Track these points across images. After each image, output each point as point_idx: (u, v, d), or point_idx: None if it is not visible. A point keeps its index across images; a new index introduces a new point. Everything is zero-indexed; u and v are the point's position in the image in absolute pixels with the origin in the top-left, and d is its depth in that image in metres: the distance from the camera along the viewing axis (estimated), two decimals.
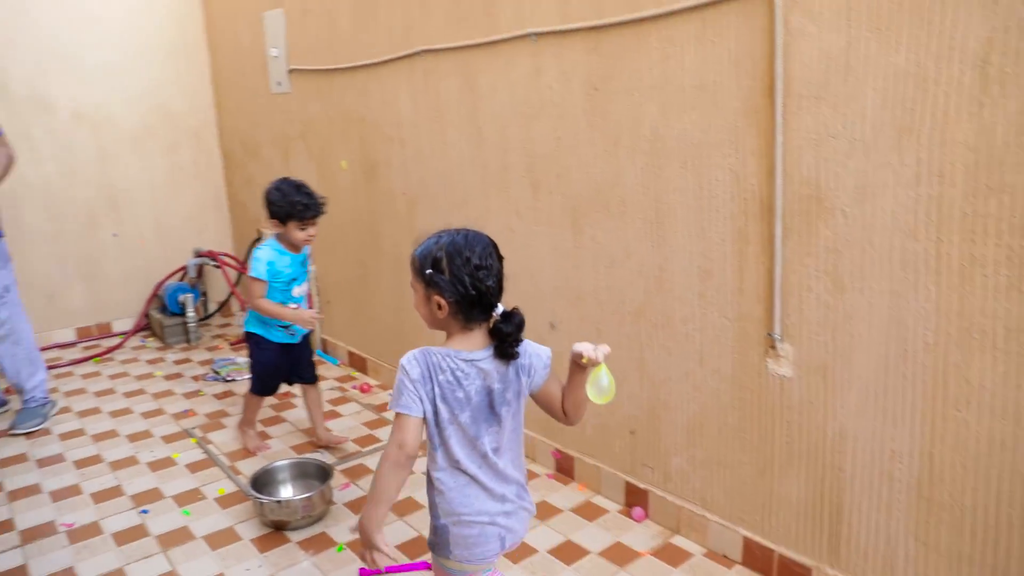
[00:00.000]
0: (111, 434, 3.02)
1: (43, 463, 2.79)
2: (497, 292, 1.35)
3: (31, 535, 2.32)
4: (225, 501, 2.48)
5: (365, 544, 1.41)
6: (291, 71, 3.57)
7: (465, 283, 1.30)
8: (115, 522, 2.37)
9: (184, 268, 4.36)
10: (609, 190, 2.15)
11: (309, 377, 2.81)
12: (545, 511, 2.35)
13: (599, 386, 1.33)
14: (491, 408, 1.39)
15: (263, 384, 2.77)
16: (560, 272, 2.39)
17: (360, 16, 3.02)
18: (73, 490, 2.58)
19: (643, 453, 2.26)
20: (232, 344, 4.09)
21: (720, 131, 1.84)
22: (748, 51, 1.74)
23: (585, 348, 1.31)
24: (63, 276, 4.16)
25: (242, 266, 4.27)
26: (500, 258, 1.37)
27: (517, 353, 1.38)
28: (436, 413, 1.36)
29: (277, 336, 2.68)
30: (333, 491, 2.46)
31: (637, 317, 2.18)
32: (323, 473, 2.45)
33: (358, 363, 3.61)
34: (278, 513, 2.28)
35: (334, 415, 3.13)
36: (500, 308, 1.36)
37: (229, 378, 3.56)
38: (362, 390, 3.37)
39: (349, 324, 3.63)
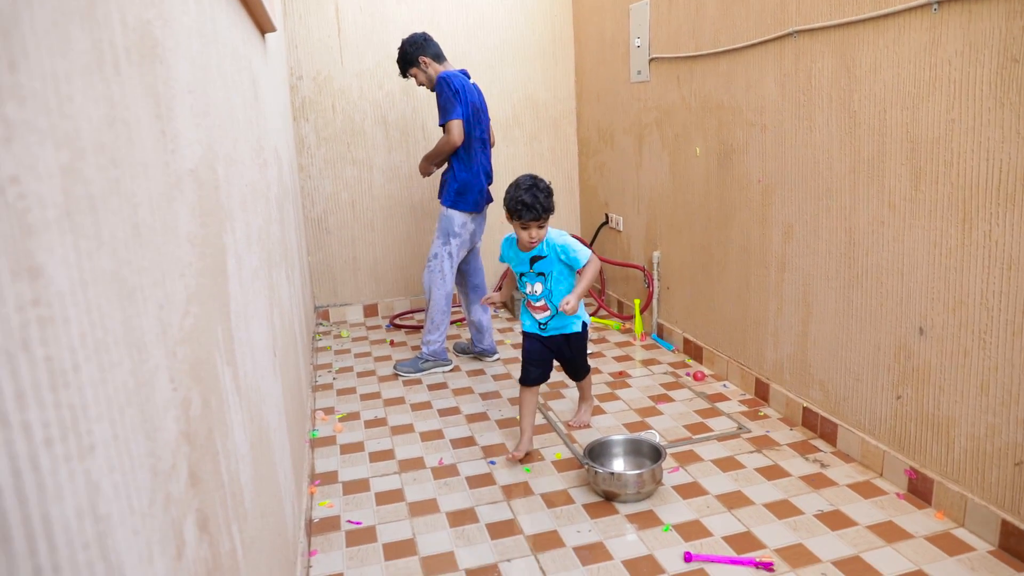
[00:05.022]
0: (467, 390, 3.39)
1: (415, 407, 3.23)
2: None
3: (407, 465, 2.71)
4: (561, 465, 2.64)
5: None
6: (652, 60, 3.65)
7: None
8: (468, 467, 2.66)
9: None
10: (1018, 180, 1.85)
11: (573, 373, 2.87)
12: (890, 532, 2.12)
13: None
14: None
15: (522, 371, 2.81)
16: (938, 271, 2.12)
17: (728, 0, 2.96)
18: (437, 434, 2.96)
19: None
20: None
21: None
22: None
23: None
24: None
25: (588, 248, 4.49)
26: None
27: None
28: None
29: (528, 324, 2.78)
30: (663, 472, 2.48)
31: None
32: (655, 453, 2.49)
33: (693, 351, 3.59)
34: (610, 484, 2.37)
35: (666, 399, 3.16)
36: None
37: None
38: (696, 378, 3.35)
39: (688, 311, 3.63)
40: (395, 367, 3.61)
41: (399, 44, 3.53)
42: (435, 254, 3.51)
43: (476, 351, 3.75)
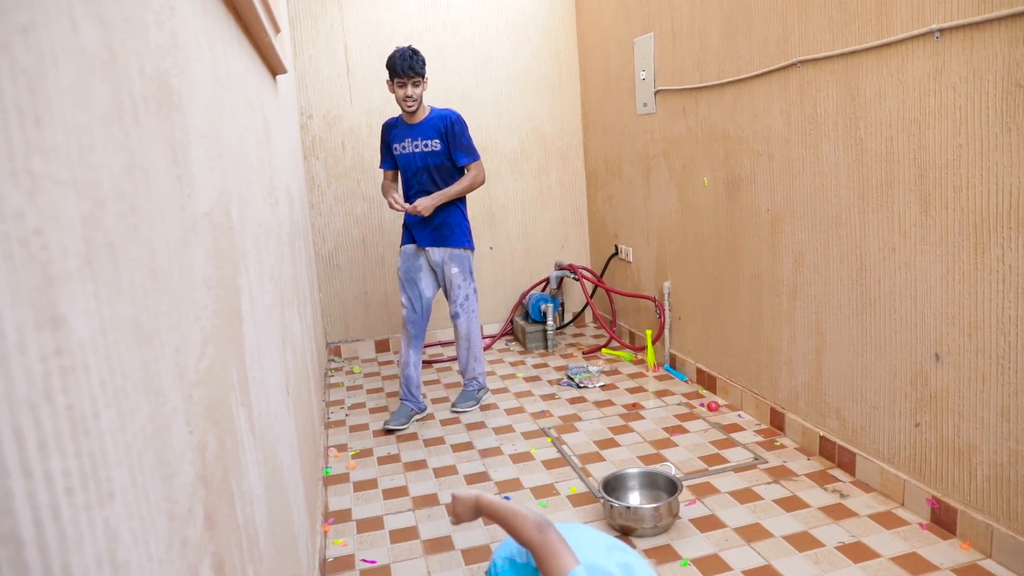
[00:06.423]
0: (480, 425, 3.38)
1: (428, 443, 3.21)
2: None
3: (421, 502, 2.69)
4: (576, 500, 2.62)
5: None
6: (657, 92, 3.68)
7: None
8: None
9: (547, 279, 4.73)
10: None
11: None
12: (915, 564, 2.08)
13: None
14: None
15: None
16: (952, 297, 2.11)
17: (732, 32, 3.00)
18: (451, 470, 2.94)
19: None
20: (584, 353, 4.32)
21: None
22: None
23: None
24: None
25: (599, 280, 4.50)
26: None
27: None
28: None
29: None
30: (680, 505, 2.45)
31: None
32: (671, 486, 2.46)
33: (707, 381, 3.56)
34: (626, 518, 2.34)
35: (680, 431, 3.13)
36: None
37: (582, 385, 3.76)
38: (710, 408, 3.32)
39: (700, 341, 3.61)
40: (452, 409, 3.57)
41: (409, 47, 3.24)
42: (467, 296, 3.52)
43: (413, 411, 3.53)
